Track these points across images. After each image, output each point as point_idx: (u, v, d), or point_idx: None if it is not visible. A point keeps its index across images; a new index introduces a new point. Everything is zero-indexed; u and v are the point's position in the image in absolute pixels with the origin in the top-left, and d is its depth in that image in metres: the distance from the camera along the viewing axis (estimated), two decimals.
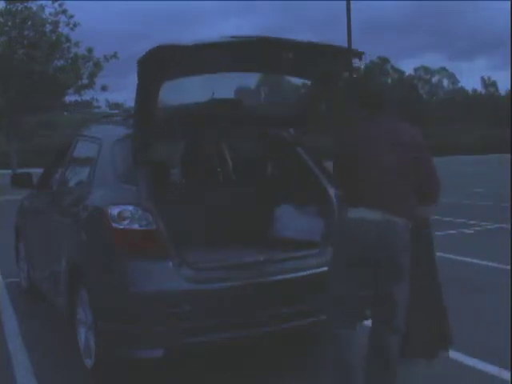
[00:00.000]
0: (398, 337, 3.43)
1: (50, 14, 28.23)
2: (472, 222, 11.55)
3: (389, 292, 3.36)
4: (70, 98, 31.50)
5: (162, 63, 3.60)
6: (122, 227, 3.79)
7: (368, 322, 4.70)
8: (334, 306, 3.46)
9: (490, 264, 7.61)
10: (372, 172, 3.31)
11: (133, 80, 3.82)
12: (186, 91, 4.41)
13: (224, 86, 4.45)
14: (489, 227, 11.01)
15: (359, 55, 4.09)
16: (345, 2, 30.67)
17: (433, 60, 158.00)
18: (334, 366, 3.49)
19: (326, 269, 3.98)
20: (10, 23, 27.97)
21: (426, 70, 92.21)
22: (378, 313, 3.47)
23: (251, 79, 4.61)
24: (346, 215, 3.38)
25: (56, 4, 28.13)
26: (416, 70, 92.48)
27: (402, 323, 3.43)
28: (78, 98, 31.19)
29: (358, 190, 3.35)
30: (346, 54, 3.98)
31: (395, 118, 3.51)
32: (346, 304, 3.41)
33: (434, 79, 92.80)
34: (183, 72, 3.98)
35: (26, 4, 28.05)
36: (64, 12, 28.19)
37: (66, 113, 43.17)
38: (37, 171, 7.25)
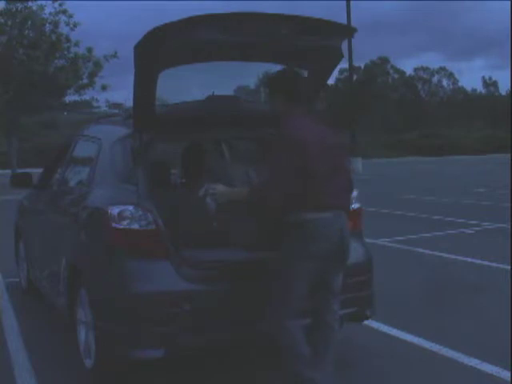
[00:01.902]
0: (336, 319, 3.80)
1: (50, 13, 28.26)
2: (472, 221, 11.55)
3: (334, 280, 3.75)
4: (70, 98, 31.56)
5: (159, 46, 3.55)
6: (122, 227, 3.79)
7: (368, 322, 4.71)
8: (295, 304, 3.59)
9: (490, 264, 7.61)
10: (323, 172, 3.55)
11: (132, 79, 3.80)
12: (185, 85, 4.41)
13: (223, 81, 4.44)
14: (489, 227, 11.01)
15: (351, 32, 4.05)
16: (345, 2, 30.76)
17: (432, 60, 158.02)
18: (287, 355, 3.63)
19: None
20: (10, 23, 27.98)
21: (426, 69, 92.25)
22: (322, 299, 3.74)
23: (251, 78, 4.61)
24: (305, 216, 3.54)
25: (56, 4, 28.18)
26: (416, 69, 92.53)
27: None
28: (78, 98, 31.21)
29: (314, 191, 3.54)
30: (336, 28, 3.91)
31: (320, 120, 3.81)
32: (304, 300, 3.61)
33: (434, 79, 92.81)
34: (181, 57, 3.93)
35: (25, 4, 28.07)
36: (64, 12, 28.20)
37: (65, 113, 43.16)
38: (37, 171, 7.24)
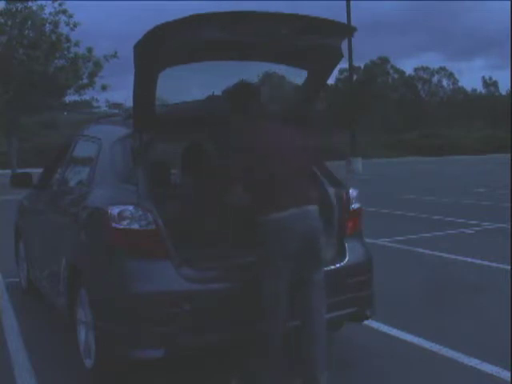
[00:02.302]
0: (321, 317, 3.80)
1: (50, 13, 28.27)
2: (472, 221, 11.55)
3: (313, 278, 3.78)
4: (70, 98, 31.55)
5: (159, 46, 3.55)
6: (122, 227, 3.79)
7: (368, 322, 4.71)
8: (271, 304, 3.68)
9: (490, 264, 7.61)
10: (282, 174, 3.72)
11: (132, 79, 3.80)
12: (185, 85, 4.40)
13: (223, 81, 4.44)
14: (489, 227, 11.01)
15: (351, 31, 4.05)
16: (345, 2, 30.76)
17: (432, 60, 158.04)
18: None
19: (326, 268, 4.00)
20: (10, 23, 27.98)
21: (426, 69, 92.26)
22: (304, 297, 3.77)
23: (251, 78, 4.60)
24: (267, 216, 3.64)
25: (56, 4, 28.18)
26: (416, 69, 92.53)
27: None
28: (78, 98, 31.22)
29: (274, 192, 3.69)
30: (335, 26, 3.91)
31: (278, 123, 3.95)
32: (281, 300, 3.68)
33: (434, 79, 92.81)
34: (181, 57, 3.93)
35: (25, 4, 28.07)
36: (64, 12, 28.21)
37: (65, 113, 43.15)
38: (37, 171, 7.24)
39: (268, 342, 3.72)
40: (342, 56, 4.10)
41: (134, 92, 3.82)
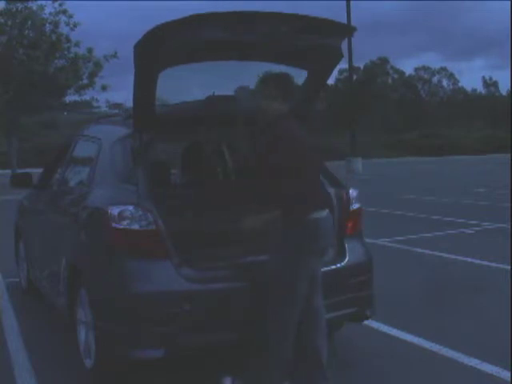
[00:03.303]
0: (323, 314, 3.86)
1: (50, 13, 28.26)
2: (472, 221, 11.55)
3: (319, 275, 3.85)
4: (70, 98, 31.55)
5: (159, 46, 3.55)
6: (122, 227, 3.79)
7: (368, 322, 4.71)
8: (298, 305, 3.65)
9: (490, 264, 7.61)
10: (315, 172, 3.80)
11: (133, 79, 3.79)
12: (185, 85, 4.40)
13: (223, 81, 4.44)
14: (489, 227, 11.01)
15: (351, 31, 4.05)
16: (345, 2, 30.76)
17: (432, 60, 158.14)
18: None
19: (326, 268, 4.00)
20: (10, 23, 27.98)
21: (427, 69, 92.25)
22: (311, 295, 3.78)
23: (251, 78, 4.60)
24: (307, 215, 3.61)
25: (56, 4, 28.18)
26: (416, 69, 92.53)
27: None
28: (78, 98, 31.22)
29: (312, 191, 3.69)
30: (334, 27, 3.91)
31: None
32: (304, 300, 3.69)
33: (434, 79, 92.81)
34: (181, 57, 3.92)
35: (26, 4, 28.06)
36: (64, 12, 28.20)
37: (65, 113, 43.16)
38: (37, 171, 7.24)
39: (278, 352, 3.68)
40: (341, 56, 4.10)
41: (134, 92, 3.82)
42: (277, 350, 3.66)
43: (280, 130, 3.70)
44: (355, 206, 4.51)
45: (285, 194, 3.61)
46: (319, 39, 3.83)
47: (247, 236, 3.95)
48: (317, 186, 3.81)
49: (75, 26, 28.28)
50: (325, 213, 3.72)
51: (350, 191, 4.51)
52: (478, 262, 7.81)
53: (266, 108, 3.81)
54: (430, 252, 8.56)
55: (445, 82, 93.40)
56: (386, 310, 5.12)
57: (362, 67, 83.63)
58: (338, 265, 4.23)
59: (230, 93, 4.68)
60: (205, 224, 4.52)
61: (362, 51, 77.51)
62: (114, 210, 3.81)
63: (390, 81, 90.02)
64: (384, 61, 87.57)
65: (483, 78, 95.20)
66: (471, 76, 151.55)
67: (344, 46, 4.11)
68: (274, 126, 3.73)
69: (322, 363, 3.75)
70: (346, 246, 4.34)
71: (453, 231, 10.65)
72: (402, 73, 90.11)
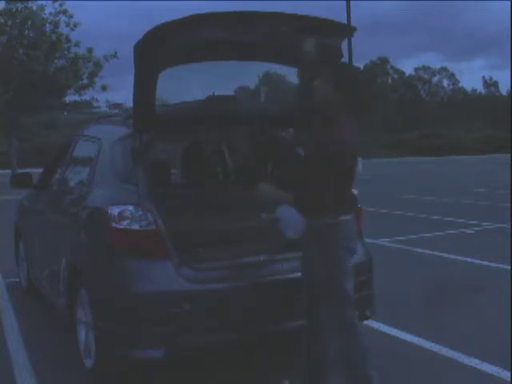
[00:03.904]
0: None
1: (50, 13, 28.28)
2: (472, 221, 11.55)
3: None
4: (70, 98, 31.58)
5: (159, 46, 3.55)
6: (122, 227, 3.79)
7: (368, 322, 4.71)
8: (349, 298, 3.57)
9: (490, 264, 7.61)
10: (353, 172, 3.65)
11: (133, 79, 3.79)
12: (185, 85, 4.40)
13: (223, 81, 4.44)
14: (489, 227, 11.01)
15: (351, 31, 4.04)
16: (345, 2, 30.76)
17: (432, 60, 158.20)
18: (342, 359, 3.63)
19: None
20: (10, 23, 27.99)
21: (427, 69, 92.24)
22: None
23: (251, 78, 4.60)
24: (340, 217, 3.52)
25: (56, 4, 28.20)
26: (417, 69, 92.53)
27: None
28: (78, 98, 31.24)
29: (346, 194, 3.62)
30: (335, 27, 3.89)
31: None
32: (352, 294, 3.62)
33: (434, 79, 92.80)
34: (181, 57, 3.92)
35: (26, 4, 28.07)
36: (64, 12, 28.23)
37: (65, 113, 43.18)
38: (37, 171, 7.24)
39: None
40: (341, 56, 4.10)
41: (134, 92, 3.82)
42: (321, 350, 3.61)
43: (338, 112, 3.52)
44: None
45: (328, 193, 3.48)
46: (319, 39, 3.83)
47: (249, 235, 3.94)
48: (351, 187, 3.70)
49: (75, 26, 28.33)
50: (352, 215, 3.65)
51: None
52: (477, 261, 7.81)
53: (320, 86, 3.59)
54: (430, 252, 8.56)
55: (445, 82, 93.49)
56: (386, 310, 5.12)
57: (362, 67, 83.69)
58: None
59: (230, 93, 4.69)
60: (205, 224, 4.52)
61: (362, 51, 77.44)
62: (114, 210, 3.81)
63: (390, 81, 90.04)
64: (384, 61, 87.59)
65: (483, 78, 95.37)
66: (471, 76, 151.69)
67: (344, 45, 4.11)
68: (329, 105, 3.53)
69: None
70: None
71: (453, 231, 10.65)
72: (402, 73, 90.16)
